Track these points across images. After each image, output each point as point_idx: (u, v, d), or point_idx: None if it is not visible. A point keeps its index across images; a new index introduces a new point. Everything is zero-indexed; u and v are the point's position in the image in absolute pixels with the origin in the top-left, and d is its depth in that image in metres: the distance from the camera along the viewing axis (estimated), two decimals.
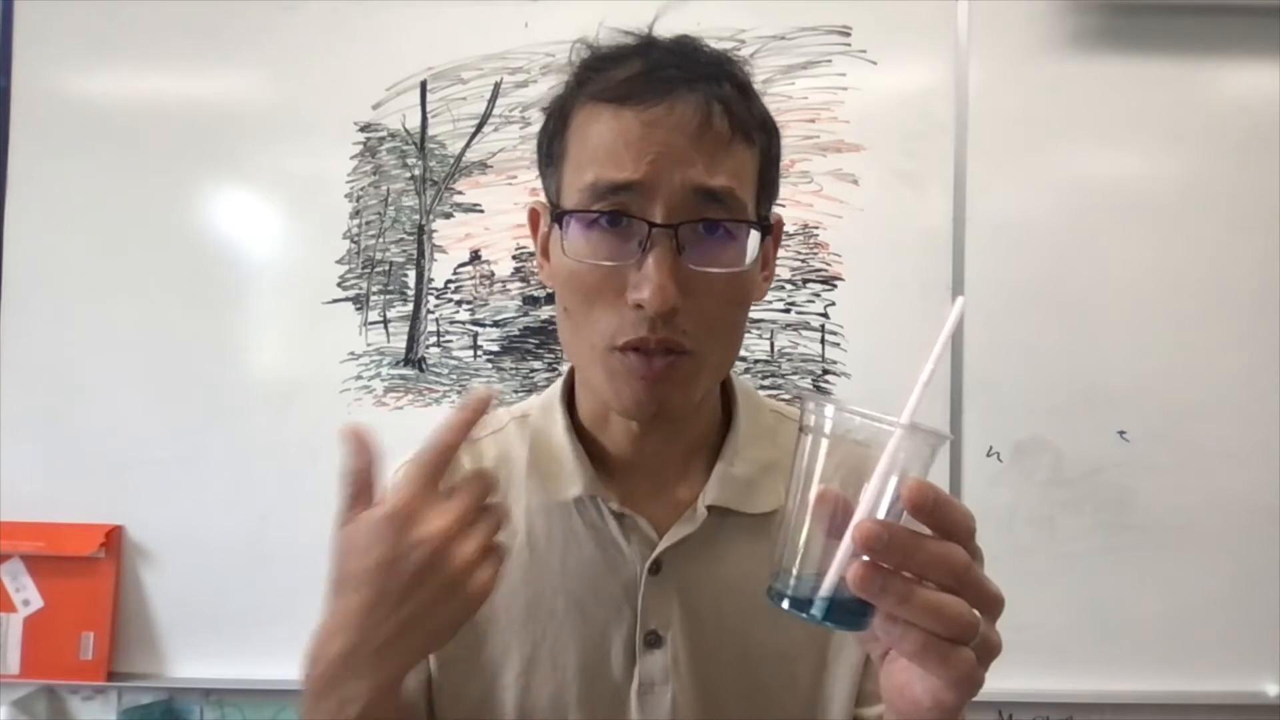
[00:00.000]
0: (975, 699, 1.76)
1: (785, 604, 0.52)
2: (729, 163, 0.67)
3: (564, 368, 0.83)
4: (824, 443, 0.52)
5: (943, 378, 1.78)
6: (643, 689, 0.75)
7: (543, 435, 0.80)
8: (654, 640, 0.75)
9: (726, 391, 0.82)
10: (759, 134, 0.71)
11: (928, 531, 0.50)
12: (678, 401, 0.69)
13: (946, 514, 0.49)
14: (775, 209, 0.78)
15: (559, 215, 0.69)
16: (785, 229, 1.75)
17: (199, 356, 1.81)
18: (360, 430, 0.60)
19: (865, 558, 0.48)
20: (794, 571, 0.52)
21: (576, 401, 0.81)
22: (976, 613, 0.49)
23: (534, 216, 0.79)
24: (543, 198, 0.77)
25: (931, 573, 0.49)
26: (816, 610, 0.50)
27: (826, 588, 0.50)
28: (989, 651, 0.51)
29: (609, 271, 0.67)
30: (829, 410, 0.52)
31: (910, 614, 0.48)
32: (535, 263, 0.81)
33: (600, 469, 0.78)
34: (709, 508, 0.76)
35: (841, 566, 0.49)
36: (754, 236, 0.69)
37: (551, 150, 0.73)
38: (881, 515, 0.50)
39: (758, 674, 0.76)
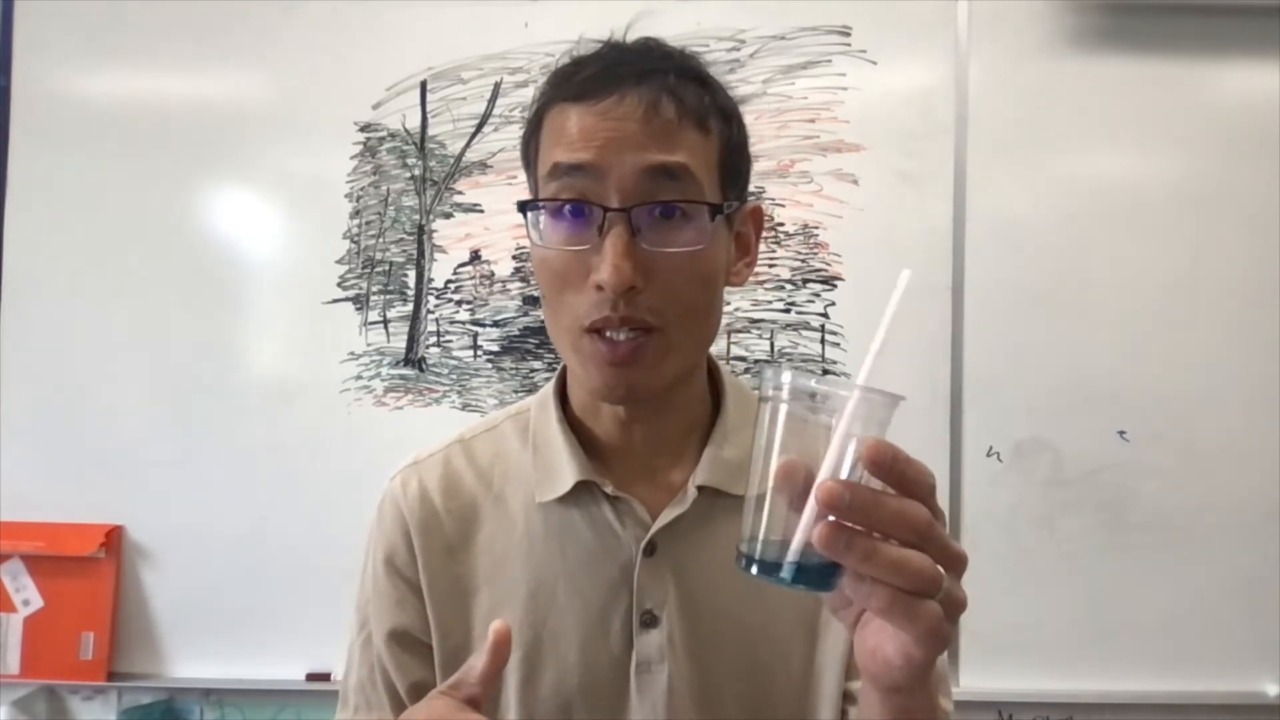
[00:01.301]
0: (975, 699, 1.76)
1: (754, 569, 0.52)
2: (680, 145, 0.71)
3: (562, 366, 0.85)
4: (783, 409, 0.53)
5: (943, 378, 1.78)
6: (640, 668, 0.76)
7: (539, 429, 0.83)
8: (650, 620, 0.77)
9: (715, 379, 0.85)
10: (716, 122, 0.74)
11: (891, 492, 0.51)
12: (647, 382, 0.72)
13: (906, 471, 0.50)
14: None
15: (522, 206, 0.74)
16: (785, 229, 1.78)
17: (199, 356, 1.81)
18: (507, 634, 0.62)
19: (830, 518, 0.49)
20: (760, 537, 0.53)
21: (569, 393, 0.84)
22: (940, 568, 0.50)
23: None
24: None
25: (894, 529, 0.49)
26: (785, 573, 0.51)
27: (794, 550, 0.50)
28: (955, 606, 0.51)
29: (574, 257, 0.71)
30: (786, 376, 0.53)
31: (876, 570, 0.49)
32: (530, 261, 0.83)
33: (594, 457, 0.80)
34: (699, 488, 0.78)
35: (807, 528, 0.50)
36: (717, 220, 0.72)
37: (528, 153, 0.78)
38: (843, 477, 0.50)
39: (752, 650, 0.78)
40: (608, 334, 0.70)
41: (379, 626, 0.81)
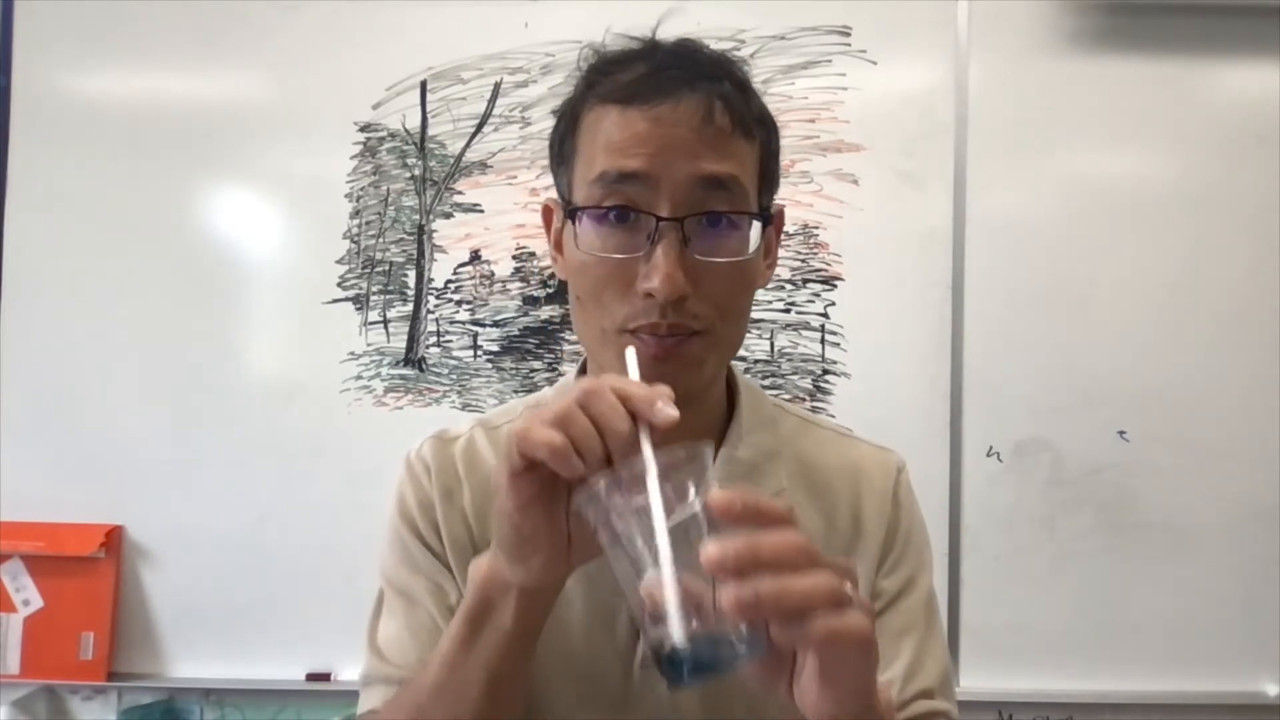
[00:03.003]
0: (975, 699, 1.76)
1: (687, 672, 0.50)
2: (731, 153, 0.71)
3: (565, 367, 0.85)
4: (617, 502, 0.53)
5: (943, 378, 1.78)
6: (645, 661, 0.76)
7: None
8: None
9: (729, 382, 0.85)
10: (758, 129, 0.75)
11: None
12: (688, 379, 0.72)
13: (759, 506, 0.51)
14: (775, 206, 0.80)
15: (571, 211, 0.73)
16: (786, 229, 1.77)
17: (199, 356, 1.81)
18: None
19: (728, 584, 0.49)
20: (680, 635, 0.51)
21: None
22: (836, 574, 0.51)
23: (547, 213, 0.83)
24: (554, 194, 0.81)
25: (783, 560, 0.50)
26: (733, 653, 0.50)
27: (732, 630, 0.49)
28: (866, 609, 0.52)
29: (619, 264, 0.71)
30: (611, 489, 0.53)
31: (795, 603, 0.49)
32: (549, 256, 0.83)
33: None
34: None
35: (685, 609, 0.49)
36: (756, 226, 0.73)
37: (563, 150, 0.77)
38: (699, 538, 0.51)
39: None
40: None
41: (413, 575, 0.79)
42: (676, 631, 0.49)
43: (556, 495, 0.59)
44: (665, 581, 0.50)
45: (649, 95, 0.70)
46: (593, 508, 0.54)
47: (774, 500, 0.52)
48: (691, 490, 0.52)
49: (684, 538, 0.51)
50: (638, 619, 0.52)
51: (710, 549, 0.49)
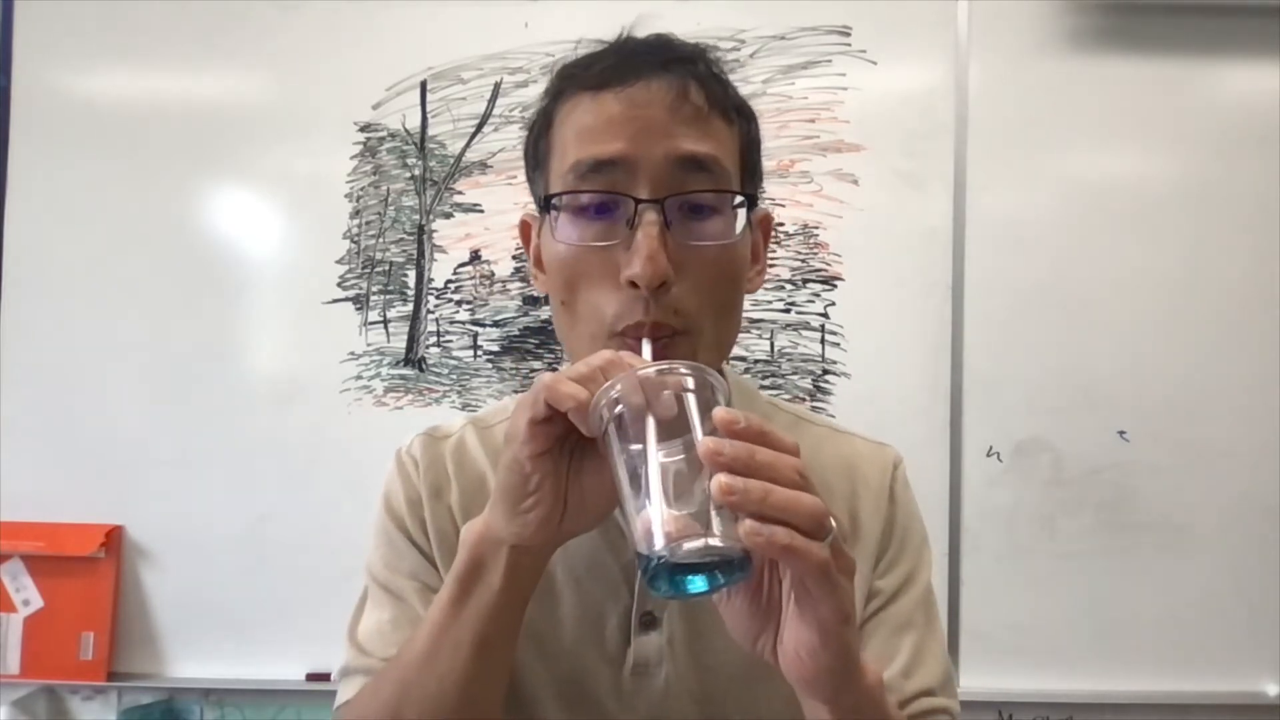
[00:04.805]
0: (975, 699, 1.75)
1: (668, 576, 0.51)
2: (710, 134, 0.69)
3: (564, 367, 0.84)
4: (622, 417, 0.54)
5: (943, 378, 1.78)
6: (637, 668, 0.75)
7: None
8: (649, 622, 0.76)
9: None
10: (736, 116, 0.73)
11: None
12: None
13: (763, 428, 0.52)
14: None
15: (548, 200, 0.71)
16: (785, 229, 1.77)
17: (199, 356, 1.81)
18: None
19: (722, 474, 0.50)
20: (672, 533, 0.52)
21: None
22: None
23: (525, 228, 0.80)
24: (533, 208, 0.78)
25: (778, 471, 0.51)
26: (727, 552, 0.50)
27: (714, 532, 0.50)
28: (843, 559, 0.53)
29: (600, 254, 0.68)
30: (617, 388, 0.55)
31: (773, 509, 0.49)
32: (530, 275, 0.81)
33: None
34: None
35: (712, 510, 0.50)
36: (741, 213, 0.71)
37: (538, 151, 0.75)
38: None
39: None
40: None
41: (398, 572, 0.78)
42: (660, 538, 0.50)
43: (562, 455, 0.60)
44: (654, 486, 0.51)
45: (621, 78, 0.68)
46: (611, 431, 0.55)
47: (782, 431, 0.53)
48: (695, 408, 0.53)
49: (686, 466, 0.52)
50: (634, 544, 0.52)
51: (708, 441, 0.50)
